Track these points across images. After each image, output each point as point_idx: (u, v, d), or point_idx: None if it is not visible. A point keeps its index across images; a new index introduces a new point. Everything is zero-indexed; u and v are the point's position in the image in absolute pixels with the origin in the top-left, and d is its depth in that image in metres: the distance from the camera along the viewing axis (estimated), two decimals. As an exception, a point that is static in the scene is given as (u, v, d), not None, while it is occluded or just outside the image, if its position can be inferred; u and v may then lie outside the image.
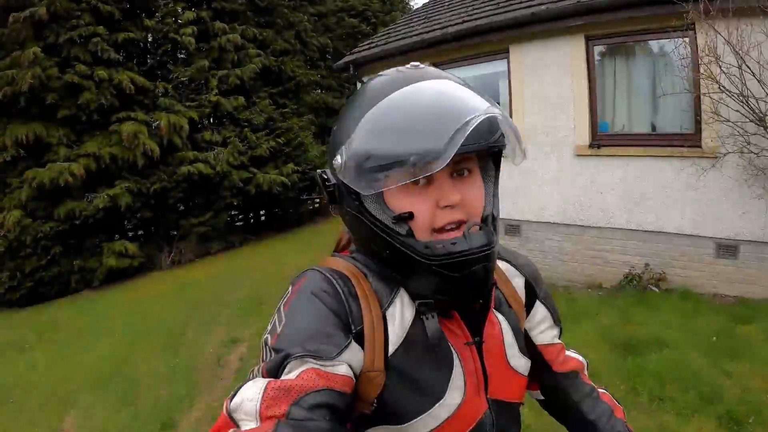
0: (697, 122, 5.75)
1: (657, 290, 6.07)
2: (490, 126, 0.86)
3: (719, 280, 5.91)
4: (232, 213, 15.69)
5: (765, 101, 4.96)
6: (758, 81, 4.94)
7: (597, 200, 6.53)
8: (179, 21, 13.92)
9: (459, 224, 0.90)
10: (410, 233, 0.90)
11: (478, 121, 0.79)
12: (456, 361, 0.98)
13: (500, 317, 1.09)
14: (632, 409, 3.79)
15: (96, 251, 12.56)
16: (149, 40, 14.14)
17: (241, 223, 16.46)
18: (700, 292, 5.96)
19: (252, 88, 15.35)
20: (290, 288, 0.96)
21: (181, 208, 14.35)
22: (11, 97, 11.48)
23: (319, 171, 1.02)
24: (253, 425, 0.71)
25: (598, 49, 6.45)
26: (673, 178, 5.93)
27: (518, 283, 1.19)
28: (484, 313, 1.03)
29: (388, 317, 0.95)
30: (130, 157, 12.41)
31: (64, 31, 11.99)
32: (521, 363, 1.10)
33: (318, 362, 0.80)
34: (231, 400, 0.76)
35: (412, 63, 0.98)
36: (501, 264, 1.18)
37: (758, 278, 5.66)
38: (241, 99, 14.71)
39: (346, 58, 9.44)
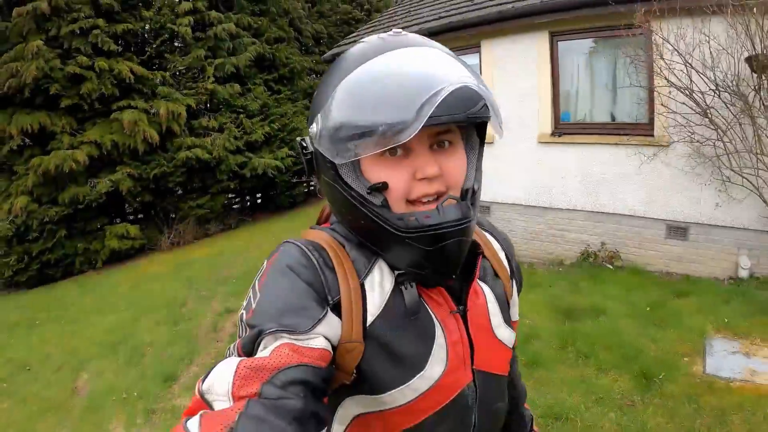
0: (651, 113, 6.17)
1: (611, 267, 6.56)
2: (469, 97, 0.84)
3: (669, 259, 6.35)
4: (229, 196, 15.97)
5: (708, 95, 5.41)
6: (700, 75, 5.39)
7: (559, 184, 7.02)
8: (176, 11, 14.14)
9: (437, 196, 0.90)
10: (385, 204, 0.89)
11: (448, 92, 0.78)
12: (438, 332, 0.97)
13: (485, 287, 1.09)
14: (560, 363, 4.35)
15: (99, 234, 12.99)
16: (147, 30, 14.40)
17: (237, 206, 16.77)
18: (652, 270, 6.40)
19: (247, 75, 15.62)
20: (265, 263, 0.95)
21: (180, 191, 14.67)
22: (16, 88, 11.82)
23: (298, 138, 1.01)
24: (225, 405, 0.70)
25: (561, 44, 6.88)
26: (628, 165, 6.35)
27: (502, 256, 1.19)
28: (469, 283, 1.03)
29: (366, 287, 0.94)
30: (131, 144, 12.77)
31: (66, 23, 12.27)
32: (506, 334, 1.10)
33: (292, 336, 0.79)
34: (203, 382, 0.75)
35: (395, 29, 0.97)
36: (487, 235, 1.19)
37: (705, 258, 6.10)
38: (237, 86, 15.00)
39: (332, 51, 9.92)
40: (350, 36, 10.51)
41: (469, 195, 0.94)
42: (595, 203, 6.79)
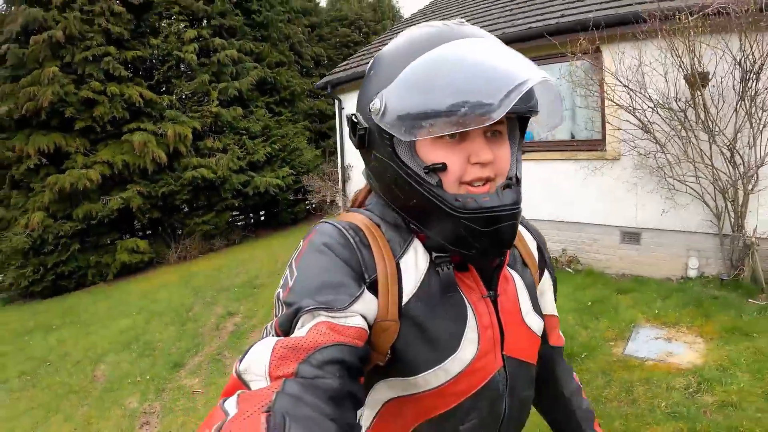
0: (603, 130, 6.74)
1: (570, 270, 7.13)
2: (529, 92, 0.88)
3: (625, 262, 6.83)
4: (233, 213, 16.41)
5: (648, 112, 5.99)
6: (636, 95, 5.98)
7: (525, 197, 7.60)
8: (182, 38, 14.77)
9: (486, 181, 0.91)
10: (440, 184, 0.90)
11: (535, 83, 0.81)
12: (470, 314, 0.98)
13: (514, 274, 1.10)
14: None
15: (110, 248, 13.66)
16: (155, 56, 15.01)
17: (241, 222, 17.26)
18: (609, 273, 6.85)
19: (249, 98, 16.23)
20: (302, 242, 0.95)
21: (186, 209, 15.27)
22: (33, 111, 12.62)
23: (349, 114, 1.01)
24: (262, 385, 0.70)
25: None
26: (585, 177, 6.87)
27: (532, 246, 1.20)
28: (499, 269, 1.04)
29: (402, 266, 0.95)
30: (141, 164, 13.47)
31: (79, 51, 13.06)
32: (535, 321, 1.11)
33: (329, 314, 0.80)
34: (240, 362, 0.75)
35: (459, 19, 0.97)
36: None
37: (658, 260, 6.56)
38: (240, 109, 15.60)
39: (324, 79, 10.68)
40: (341, 65, 11.19)
41: (513, 182, 0.97)
42: (557, 213, 7.35)
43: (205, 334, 7.25)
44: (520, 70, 0.82)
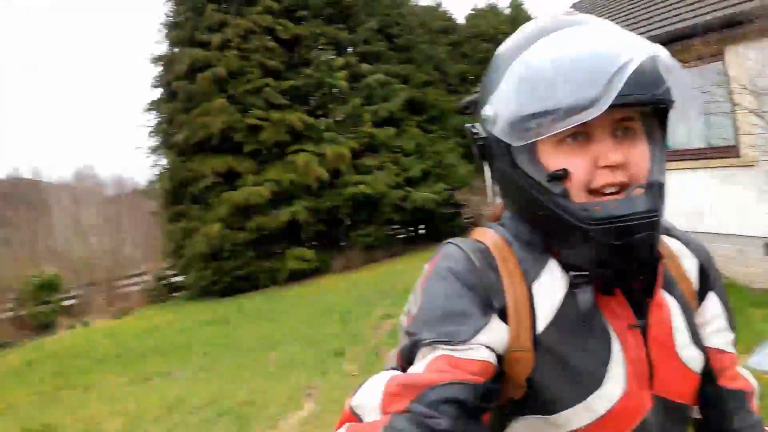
0: (736, 136, 6.23)
1: None
2: (654, 77, 0.75)
3: None
4: (394, 227, 17.27)
5: None
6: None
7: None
8: (332, 66, 15.91)
9: (620, 187, 0.78)
10: (565, 194, 0.79)
11: (641, 61, 0.71)
12: (615, 346, 0.84)
13: (670, 300, 0.91)
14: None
15: (280, 256, 15.09)
16: (310, 84, 16.17)
17: (403, 235, 18.14)
18: (756, 287, 6.18)
19: (400, 118, 17.01)
20: (426, 265, 0.89)
21: (349, 222, 16.33)
22: (206, 137, 14.51)
23: (467, 125, 0.94)
24: (374, 419, 0.70)
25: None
26: (722, 185, 6.51)
27: (690, 265, 0.98)
28: (652, 293, 0.87)
29: (534, 291, 0.85)
30: (305, 181, 14.79)
31: (241, 84, 14.75)
32: (694, 355, 0.91)
33: (450, 347, 0.75)
34: (353, 397, 0.75)
35: (567, 9, 0.93)
36: (670, 241, 0.99)
37: None
38: (392, 129, 16.49)
39: (467, 99, 11.21)
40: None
41: (654, 189, 0.79)
42: (697, 224, 6.58)
43: (364, 332, 8.09)
44: (623, 50, 0.73)
